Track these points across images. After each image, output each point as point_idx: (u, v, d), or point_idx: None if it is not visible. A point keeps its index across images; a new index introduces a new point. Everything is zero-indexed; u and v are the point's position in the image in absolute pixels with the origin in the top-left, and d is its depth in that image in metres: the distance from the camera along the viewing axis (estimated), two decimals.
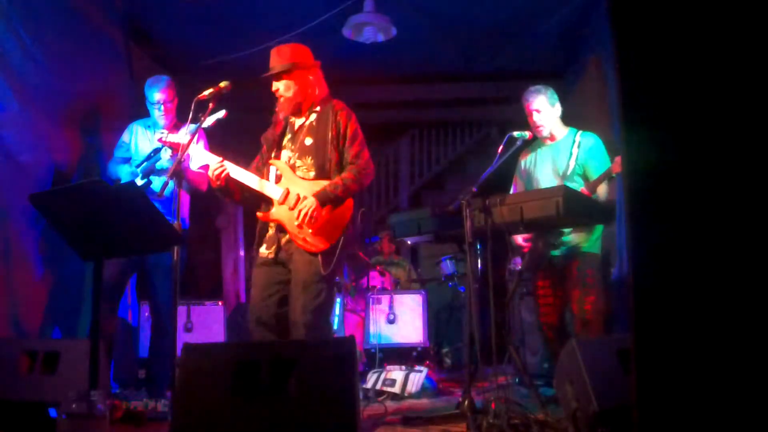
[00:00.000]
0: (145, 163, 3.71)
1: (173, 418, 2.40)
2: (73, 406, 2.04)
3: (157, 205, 2.53)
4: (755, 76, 1.19)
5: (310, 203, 2.91)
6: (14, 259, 3.64)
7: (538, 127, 3.65)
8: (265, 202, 3.05)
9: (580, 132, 3.63)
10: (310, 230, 2.91)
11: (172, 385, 2.54)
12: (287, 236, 2.99)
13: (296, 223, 2.91)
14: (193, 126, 3.07)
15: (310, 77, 3.08)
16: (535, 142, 3.76)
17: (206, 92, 2.86)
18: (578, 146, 3.56)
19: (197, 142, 3.35)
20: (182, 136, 3.10)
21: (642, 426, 1.18)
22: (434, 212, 3.31)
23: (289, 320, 2.92)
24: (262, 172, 3.10)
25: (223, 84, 2.92)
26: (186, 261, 4.21)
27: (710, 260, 1.19)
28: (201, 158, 3.12)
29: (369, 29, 5.05)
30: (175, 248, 2.67)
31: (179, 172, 2.83)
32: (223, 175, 2.94)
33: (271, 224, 3.06)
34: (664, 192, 1.22)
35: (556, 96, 3.66)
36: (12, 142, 3.62)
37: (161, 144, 3.17)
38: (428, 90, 7.31)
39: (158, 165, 3.74)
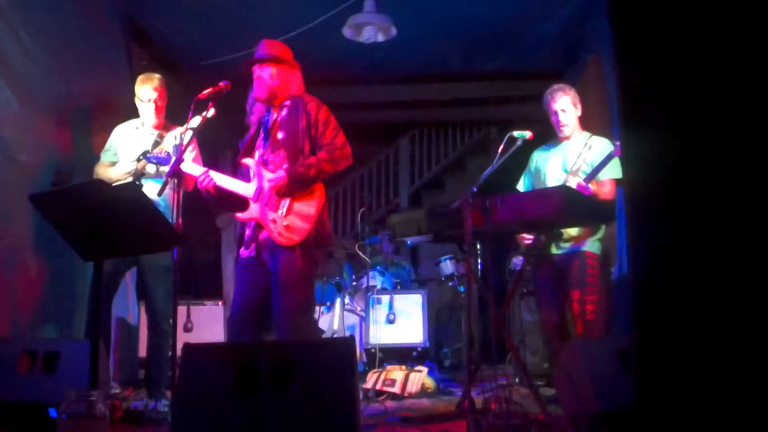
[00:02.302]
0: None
1: (173, 418, 2.40)
2: (73, 406, 2.03)
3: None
4: (754, 76, 1.19)
5: (278, 175, 2.95)
6: (13, 259, 3.63)
7: (563, 126, 3.64)
8: (244, 202, 3.07)
9: (594, 136, 3.63)
10: (285, 223, 2.93)
11: (172, 385, 2.54)
12: (264, 232, 3.01)
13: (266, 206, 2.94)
14: (191, 127, 3.07)
15: (294, 75, 3.12)
16: (550, 141, 3.77)
17: (206, 92, 2.87)
18: (589, 148, 3.56)
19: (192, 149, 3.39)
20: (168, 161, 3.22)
21: (642, 426, 1.18)
22: (434, 212, 3.30)
23: (273, 321, 2.98)
24: (236, 175, 3.12)
25: (222, 84, 2.93)
26: (186, 261, 4.20)
27: (710, 260, 1.19)
28: (188, 170, 3.11)
29: (369, 29, 5.04)
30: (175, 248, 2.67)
31: (179, 172, 2.83)
32: (210, 185, 2.97)
33: (248, 224, 3.07)
34: (664, 191, 1.22)
35: (577, 96, 3.67)
36: (12, 142, 3.61)
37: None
38: (428, 90, 7.28)
39: (149, 168, 3.71)
